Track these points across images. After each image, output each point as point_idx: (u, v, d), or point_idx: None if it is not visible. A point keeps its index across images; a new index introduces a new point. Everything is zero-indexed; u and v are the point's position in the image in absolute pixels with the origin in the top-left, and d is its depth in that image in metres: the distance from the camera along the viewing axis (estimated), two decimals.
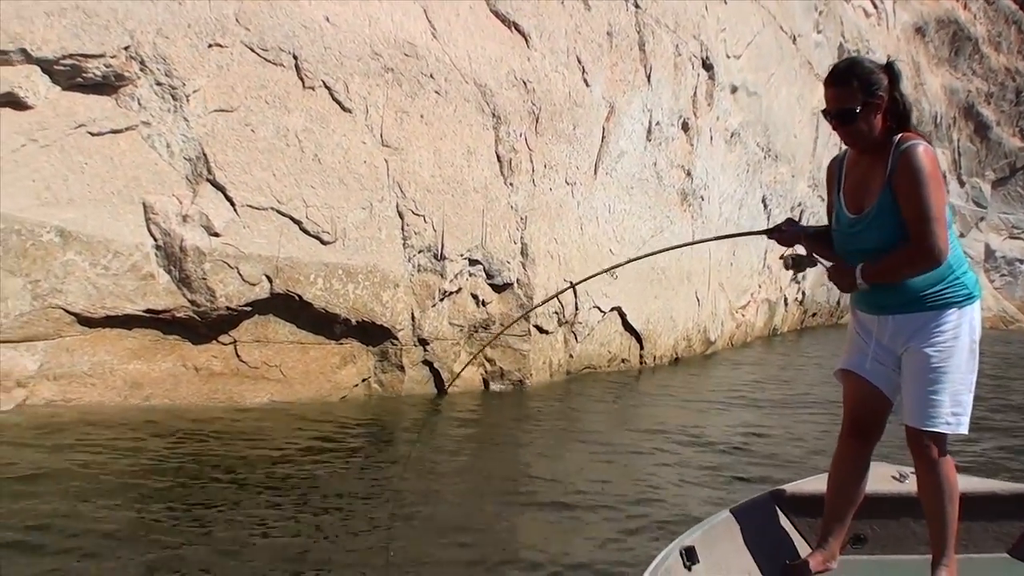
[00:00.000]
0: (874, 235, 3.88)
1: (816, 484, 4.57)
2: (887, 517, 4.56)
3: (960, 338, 3.89)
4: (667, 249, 5.70)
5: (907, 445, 3.99)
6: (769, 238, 4.33)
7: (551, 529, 5.70)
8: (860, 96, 3.84)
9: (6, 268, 7.08)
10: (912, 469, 4.13)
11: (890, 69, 3.93)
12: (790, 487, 4.76)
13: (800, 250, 4.19)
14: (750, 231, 4.75)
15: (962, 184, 39.71)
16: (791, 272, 4.19)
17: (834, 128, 3.99)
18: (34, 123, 7.24)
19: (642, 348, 13.89)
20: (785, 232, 4.24)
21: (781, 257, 4.30)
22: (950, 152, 38.37)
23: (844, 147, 4.11)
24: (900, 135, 3.87)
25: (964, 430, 3.91)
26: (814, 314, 24.98)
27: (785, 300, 22.18)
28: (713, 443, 8.48)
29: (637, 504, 6.14)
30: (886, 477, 4.76)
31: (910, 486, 4.32)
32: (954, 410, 3.87)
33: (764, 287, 20.36)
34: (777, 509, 4.59)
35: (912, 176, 3.74)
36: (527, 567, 4.96)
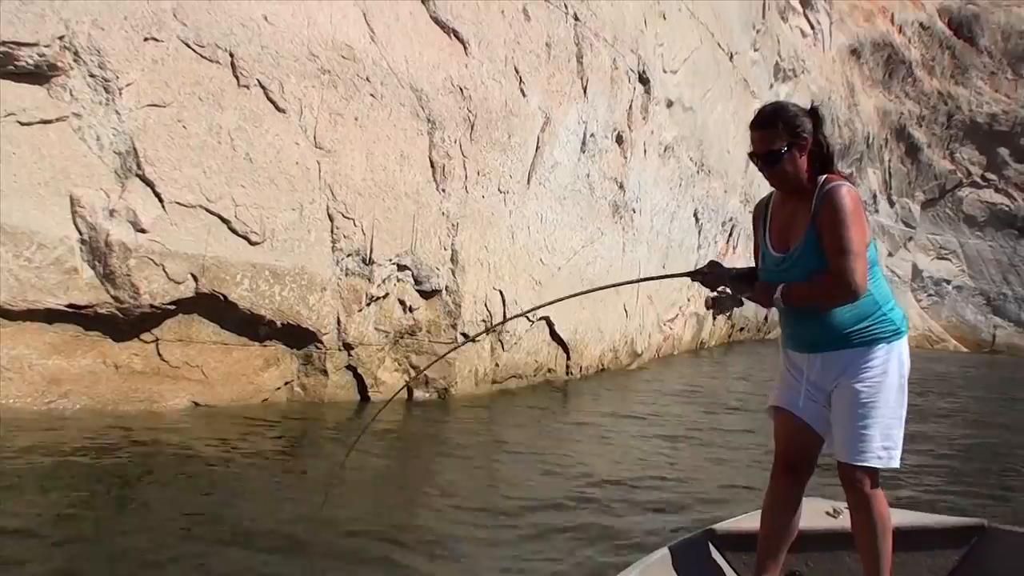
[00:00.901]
0: (800, 273, 3.93)
1: (751, 521, 4.56)
2: (821, 552, 4.58)
3: (889, 373, 3.95)
4: (621, 284, 5.72)
5: (839, 480, 4.03)
6: (693, 280, 4.35)
7: (475, 548, 5.63)
8: (785, 138, 3.92)
9: None
10: (845, 504, 4.17)
11: (814, 113, 4.03)
12: (726, 524, 4.77)
13: (724, 290, 4.21)
14: (674, 273, 4.76)
15: (892, 204, 40.37)
16: (713, 313, 4.19)
17: (760, 169, 4.05)
18: None
19: (569, 358, 13.93)
20: (708, 275, 4.28)
21: (705, 299, 4.29)
22: (881, 172, 39.00)
23: (771, 188, 4.16)
24: (825, 176, 3.94)
25: (895, 464, 3.96)
26: (742, 329, 25.26)
27: (713, 315, 22.39)
28: (641, 465, 8.43)
29: (565, 530, 6.06)
30: (819, 512, 4.78)
31: (843, 521, 4.37)
32: (885, 444, 3.92)
33: (693, 301, 20.52)
34: (712, 547, 4.59)
35: (834, 214, 3.80)
36: None
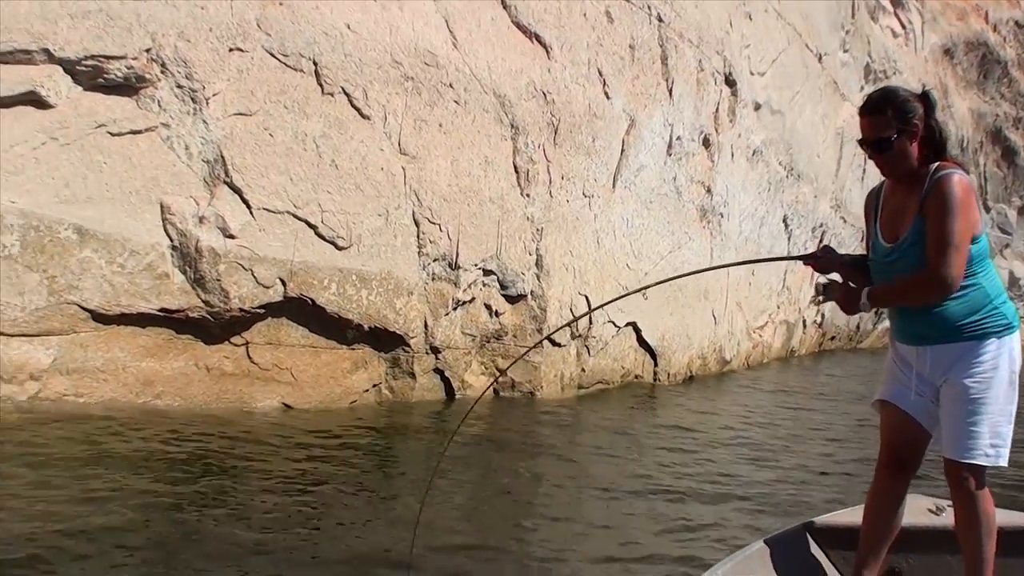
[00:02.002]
0: (909, 263, 3.87)
1: (851, 516, 4.52)
2: (923, 551, 4.48)
3: (999, 368, 3.86)
4: (705, 270, 5.69)
5: (945, 477, 3.96)
6: (805, 264, 4.31)
7: (569, 550, 5.64)
8: (895, 124, 3.86)
9: (24, 263, 7.14)
10: (949, 502, 4.12)
11: (925, 98, 3.94)
12: (825, 518, 4.71)
13: (835, 278, 4.18)
14: (785, 256, 4.71)
15: (987, 210, 39.55)
16: (820, 300, 4.12)
17: (870, 157, 4.00)
18: (55, 122, 7.31)
19: (656, 364, 13.85)
20: (822, 259, 4.24)
21: (815, 284, 4.26)
22: (976, 177, 38.23)
23: (881, 178, 4.11)
24: (936, 164, 3.87)
25: (1003, 462, 3.87)
26: (832, 337, 24.80)
27: (804, 322, 22.04)
28: (733, 467, 8.39)
29: (659, 533, 6.04)
30: (923, 510, 4.69)
31: (947, 519, 4.30)
32: (993, 442, 3.83)
33: (783, 308, 20.25)
34: (811, 540, 4.53)
35: (940, 203, 3.73)
36: None
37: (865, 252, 4.24)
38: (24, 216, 7.11)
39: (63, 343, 7.48)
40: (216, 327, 8.32)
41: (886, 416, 4.16)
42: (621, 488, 7.19)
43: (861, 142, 3.99)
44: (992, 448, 3.83)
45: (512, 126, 10.62)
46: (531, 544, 5.69)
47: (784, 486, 7.62)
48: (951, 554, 4.22)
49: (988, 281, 3.90)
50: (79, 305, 7.50)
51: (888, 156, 3.91)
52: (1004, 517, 4.18)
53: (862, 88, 24.17)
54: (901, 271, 3.90)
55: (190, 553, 4.91)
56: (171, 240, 7.97)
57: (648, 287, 5.46)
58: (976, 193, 3.89)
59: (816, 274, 4.31)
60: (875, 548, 4.16)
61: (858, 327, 25.77)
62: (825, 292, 4.14)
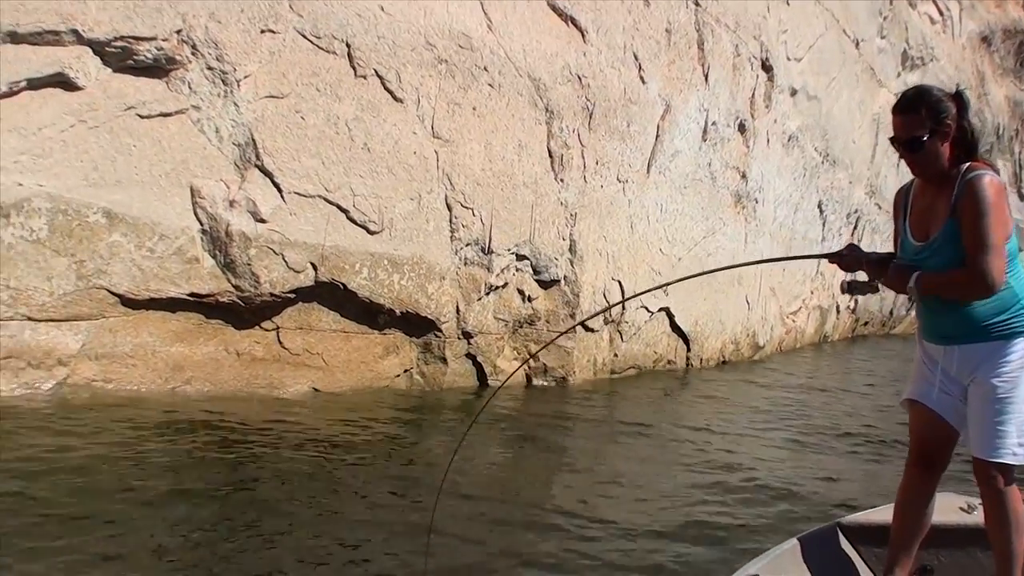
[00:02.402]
0: (938, 262, 3.85)
1: (882, 514, 4.54)
2: (954, 548, 4.49)
3: None
4: (735, 266, 5.64)
5: (973, 476, 3.95)
6: (830, 263, 4.27)
7: (593, 538, 5.58)
8: (928, 124, 3.84)
9: (52, 247, 7.10)
10: (980, 500, 4.07)
11: (959, 98, 3.92)
12: (856, 517, 4.74)
13: (861, 276, 4.18)
14: (813, 254, 4.66)
15: (1022, 198, 39.22)
16: (848, 296, 4.11)
17: (901, 156, 3.97)
18: (84, 104, 7.25)
19: (689, 350, 13.74)
20: (846, 257, 4.21)
21: (841, 282, 4.29)
22: (1011, 165, 37.89)
23: (909, 176, 4.06)
24: (968, 164, 3.85)
25: None
26: (866, 323, 24.62)
27: (837, 308, 21.86)
28: (765, 459, 8.25)
29: (689, 527, 5.96)
30: (953, 508, 4.70)
31: (977, 517, 4.28)
32: (1021, 440, 3.83)
33: (816, 293, 20.09)
34: (843, 538, 4.55)
35: (975, 204, 3.72)
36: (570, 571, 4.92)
37: (893, 250, 4.23)
38: (52, 200, 7.07)
39: (92, 328, 7.45)
40: (246, 312, 8.26)
41: (915, 415, 4.19)
42: (651, 479, 7.14)
43: (893, 140, 3.98)
44: (1020, 447, 3.84)
45: (547, 110, 10.50)
46: (554, 530, 5.63)
47: (816, 480, 7.53)
48: (982, 551, 4.28)
49: (1016, 281, 3.89)
50: (108, 290, 7.46)
51: (920, 156, 3.90)
52: None
53: (899, 74, 23.95)
54: (931, 269, 3.88)
55: (220, 540, 4.90)
56: (201, 224, 7.91)
57: (677, 281, 5.40)
58: (1006, 194, 3.88)
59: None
60: (906, 545, 4.19)
61: (891, 313, 25.57)
62: (851, 289, 4.22)
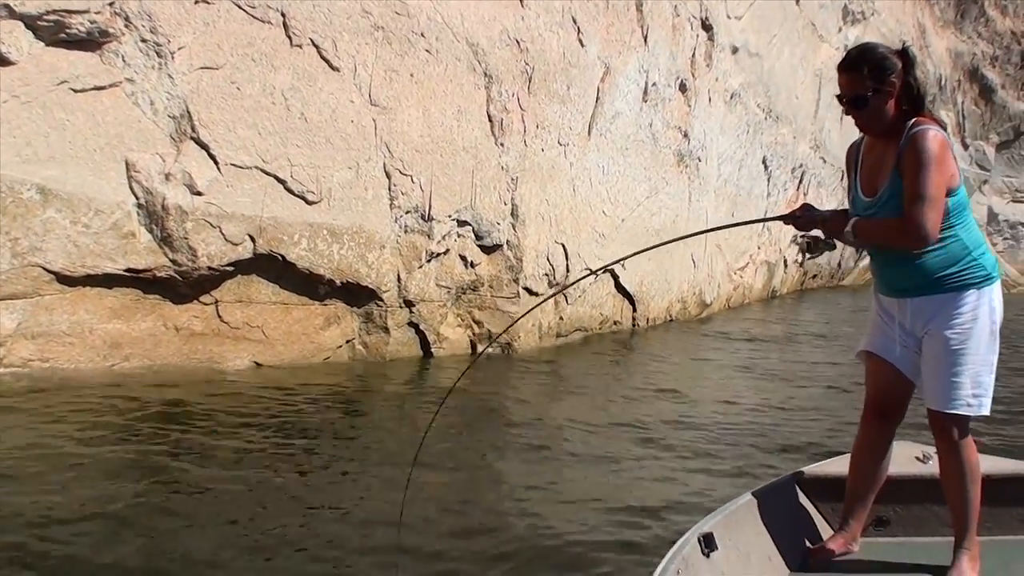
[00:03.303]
0: (886, 216, 3.86)
1: (838, 466, 4.53)
2: (910, 499, 4.49)
3: (979, 319, 3.87)
4: (695, 234, 5.63)
5: (929, 426, 3.97)
6: (785, 224, 4.28)
7: (559, 505, 5.62)
8: (870, 83, 3.85)
9: None
10: (935, 449, 4.12)
11: (904, 54, 3.92)
12: (812, 469, 4.70)
13: (817, 233, 4.19)
14: (768, 217, 4.65)
15: (966, 147, 39.52)
16: (809, 256, 4.10)
17: (846, 113, 3.99)
18: (16, 79, 7.11)
19: (635, 310, 13.82)
20: (801, 218, 4.19)
21: (797, 240, 4.27)
22: (954, 115, 38.16)
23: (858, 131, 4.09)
24: (914, 119, 3.85)
25: (985, 411, 3.88)
26: (814, 276, 24.86)
27: (785, 262, 22.06)
28: (716, 415, 8.29)
29: (645, 488, 6.02)
30: (909, 458, 4.68)
31: (933, 467, 4.31)
32: (975, 392, 3.85)
33: (763, 249, 20.26)
34: (799, 491, 4.52)
35: (916, 157, 3.72)
36: (534, 544, 4.93)
37: (846, 207, 4.23)
38: None
39: (27, 307, 7.35)
40: (184, 286, 8.20)
41: (871, 367, 4.19)
42: (603, 443, 7.13)
43: (839, 97, 3.98)
44: (974, 398, 3.85)
45: (485, 75, 10.45)
46: (516, 503, 5.63)
47: (769, 433, 7.59)
48: (937, 503, 4.24)
49: (967, 233, 3.89)
50: (43, 267, 7.35)
51: (863, 113, 3.91)
52: (988, 464, 4.21)
53: (840, 29, 24.03)
54: None
55: (158, 517, 4.87)
56: (137, 198, 7.81)
57: (654, 247, 5.39)
58: (952, 147, 3.87)
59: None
60: (862, 497, 4.20)
61: (839, 265, 25.83)
62: (810, 247, 4.21)
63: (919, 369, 4.03)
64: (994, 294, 3.94)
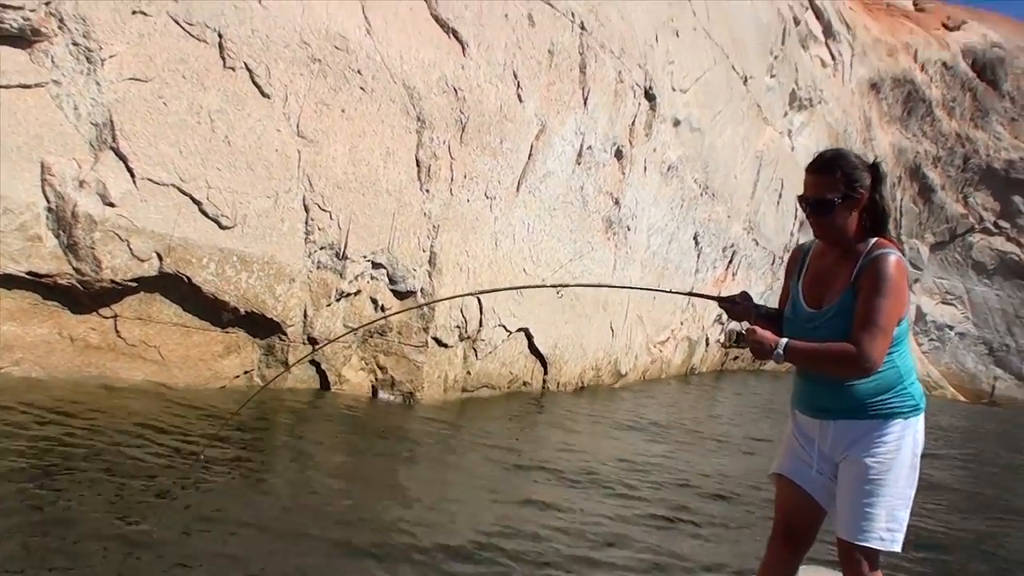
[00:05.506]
0: (827, 333, 3.78)
1: None
2: None
3: (902, 450, 3.81)
4: (630, 288, 5.54)
5: (837, 556, 3.90)
6: (720, 307, 4.23)
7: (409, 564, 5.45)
8: (841, 188, 3.81)
9: None
10: None
11: (875, 169, 3.88)
12: None
13: (745, 326, 4.04)
14: (702, 293, 4.57)
15: (900, 243, 39.94)
16: (730, 348, 3.98)
17: (808, 216, 3.92)
18: None
19: (546, 372, 13.76)
20: (738, 305, 4.16)
21: (725, 333, 4.15)
22: (893, 211, 38.61)
23: (801, 216, 4.03)
24: (875, 240, 3.82)
25: (897, 547, 3.80)
26: (735, 357, 24.99)
27: (707, 340, 22.18)
28: (600, 505, 7.62)
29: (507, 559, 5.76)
30: None
31: None
32: (889, 525, 3.78)
33: (686, 324, 20.35)
34: None
35: (876, 282, 3.68)
36: None
37: (779, 307, 4.18)
38: None
39: None
40: (85, 296, 8.05)
41: (782, 490, 4.09)
42: (476, 505, 7.02)
43: (801, 199, 3.92)
44: (888, 532, 3.78)
45: (419, 119, 10.43)
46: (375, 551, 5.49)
47: (666, 539, 6.89)
48: None
49: (902, 361, 3.85)
50: None
51: (827, 219, 3.86)
52: None
53: (786, 114, 24.41)
54: (820, 338, 3.80)
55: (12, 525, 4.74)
56: (48, 202, 7.67)
57: (564, 286, 5.34)
58: (908, 276, 3.88)
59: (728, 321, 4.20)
60: None
61: None
62: (738, 341, 4.00)
63: (832, 496, 3.94)
64: (919, 425, 3.89)
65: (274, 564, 5.01)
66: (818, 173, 3.87)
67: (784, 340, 3.79)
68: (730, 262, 22.47)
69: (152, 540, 5.01)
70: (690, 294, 5.74)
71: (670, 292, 5.79)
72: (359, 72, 9.68)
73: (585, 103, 13.47)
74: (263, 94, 8.88)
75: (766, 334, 3.84)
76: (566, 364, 14.25)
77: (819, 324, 3.83)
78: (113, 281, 8.06)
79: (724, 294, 4.31)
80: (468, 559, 5.66)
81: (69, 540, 4.78)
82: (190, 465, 6.42)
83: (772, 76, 22.67)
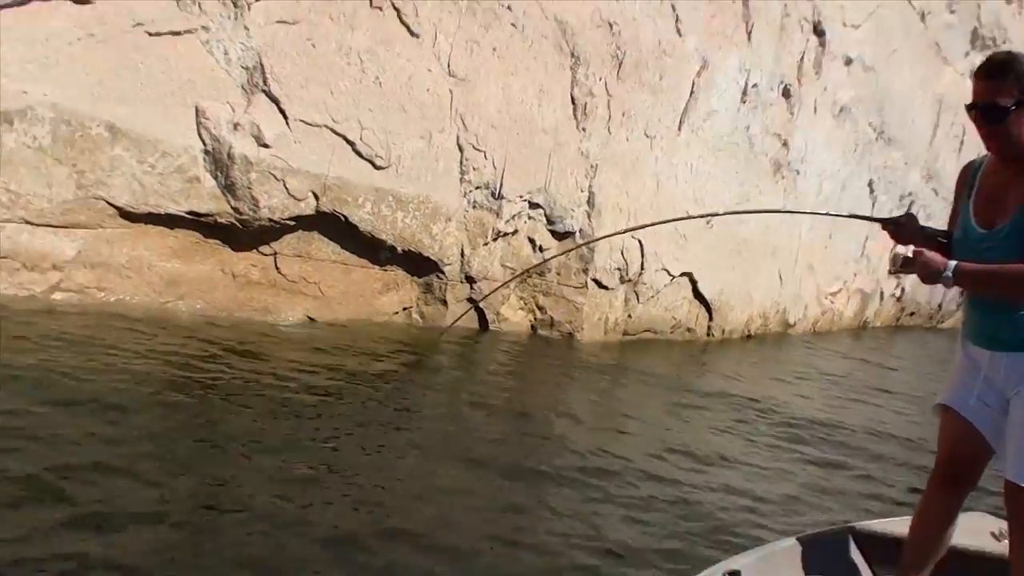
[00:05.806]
0: (1000, 255, 3.48)
1: (898, 526, 4.17)
2: None
3: None
4: (767, 211, 5.32)
5: (1003, 503, 3.63)
6: (883, 229, 3.96)
7: (575, 507, 5.33)
8: (1016, 94, 3.45)
9: (54, 156, 7.09)
10: None
11: None
12: (870, 524, 4.39)
13: (910, 250, 3.69)
14: (865, 216, 4.29)
15: None
16: (894, 273, 3.70)
17: (977, 126, 3.59)
18: (92, 17, 7.18)
19: (711, 319, 13.53)
20: (903, 226, 3.89)
21: (890, 257, 3.75)
22: None
23: (981, 152, 3.77)
24: None
25: None
26: (912, 313, 24.06)
27: (881, 293, 21.44)
28: (772, 451, 7.62)
29: (678, 516, 5.54)
30: (983, 531, 4.33)
31: (1005, 547, 3.84)
32: None
33: (859, 276, 19.69)
34: (852, 546, 4.24)
35: None
36: (543, 542, 4.74)
37: (947, 229, 3.89)
38: (56, 110, 7.04)
39: (89, 237, 7.44)
40: (245, 235, 8.25)
41: (946, 423, 3.83)
42: (644, 455, 6.70)
43: (971, 107, 3.57)
44: None
45: (572, 55, 10.32)
46: (530, 500, 5.44)
47: (826, 482, 6.91)
48: None
49: None
50: (107, 201, 7.44)
51: (1000, 128, 3.50)
52: None
53: (967, 54, 23.36)
54: (993, 261, 3.50)
55: (187, 456, 4.87)
56: (204, 144, 7.86)
57: (714, 215, 5.14)
58: None
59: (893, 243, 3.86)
60: (919, 565, 3.84)
61: (940, 306, 24.98)
62: (904, 264, 3.64)
63: (1000, 432, 3.64)
64: None
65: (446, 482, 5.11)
66: (989, 78, 3.51)
67: (953, 262, 3.50)
68: (908, 212, 21.60)
69: (334, 463, 5.22)
70: (851, 216, 5.48)
71: (826, 215, 5.52)
72: (509, 8, 9.61)
73: (749, 38, 13.08)
74: (412, 33, 8.90)
75: (934, 256, 3.55)
76: (732, 311, 14.00)
77: (991, 245, 3.53)
78: (271, 220, 8.23)
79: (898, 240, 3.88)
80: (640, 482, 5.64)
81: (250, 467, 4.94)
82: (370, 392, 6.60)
83: (952, 12, 21.66)
